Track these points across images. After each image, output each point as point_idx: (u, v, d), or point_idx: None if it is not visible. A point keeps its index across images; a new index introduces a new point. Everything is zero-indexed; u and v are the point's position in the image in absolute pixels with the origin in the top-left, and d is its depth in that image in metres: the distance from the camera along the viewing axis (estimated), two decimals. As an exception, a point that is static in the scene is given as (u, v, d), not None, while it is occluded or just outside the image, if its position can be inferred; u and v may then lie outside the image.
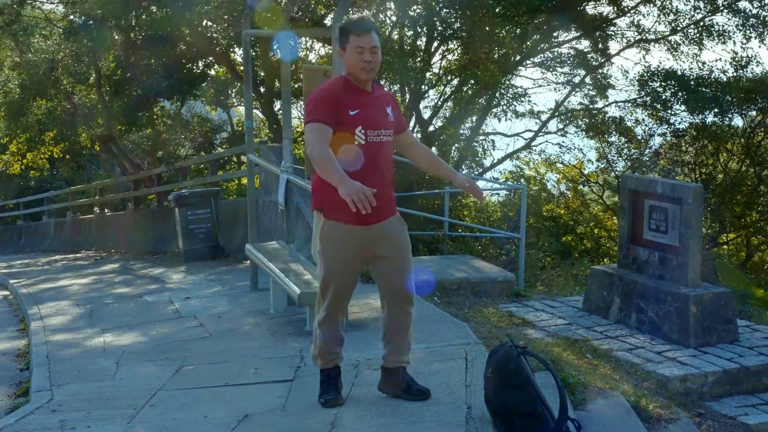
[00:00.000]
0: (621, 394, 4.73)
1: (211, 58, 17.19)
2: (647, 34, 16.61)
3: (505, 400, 3.74)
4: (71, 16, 17.71)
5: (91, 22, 15.49)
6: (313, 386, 4.68)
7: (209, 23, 15.76)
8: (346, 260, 4.03)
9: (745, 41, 15.59)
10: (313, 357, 4.29)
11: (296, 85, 14.38)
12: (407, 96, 14.91)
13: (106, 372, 5.61)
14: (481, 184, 17.19)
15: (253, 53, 15.05)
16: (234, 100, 19.20)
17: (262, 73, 16.31)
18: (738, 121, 16.49)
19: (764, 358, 5.61)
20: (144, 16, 16.07)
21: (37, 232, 23.63)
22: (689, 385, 5.21)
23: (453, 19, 13.75)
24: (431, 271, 7.65)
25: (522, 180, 18.02)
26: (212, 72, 18.40)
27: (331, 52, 17.04)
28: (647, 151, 17.03)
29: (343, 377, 4.62)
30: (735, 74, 15.54)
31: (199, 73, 17.48)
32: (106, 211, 20.16)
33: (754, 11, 15.27)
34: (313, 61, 17.60)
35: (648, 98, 16.09)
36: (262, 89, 16.55)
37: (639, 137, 17.00)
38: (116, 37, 17.05)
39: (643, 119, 16.86)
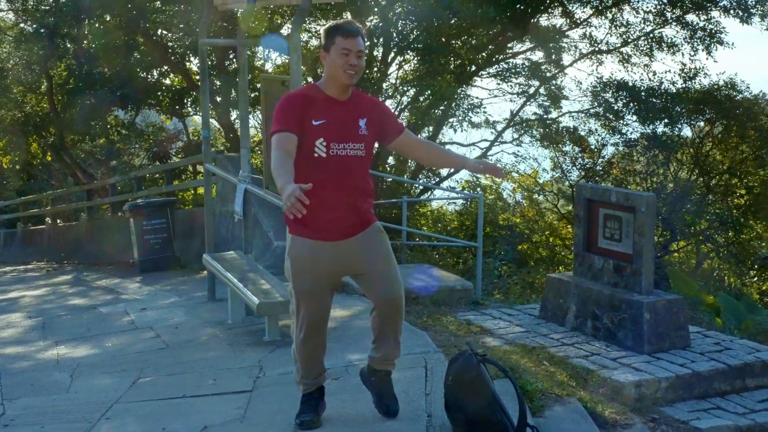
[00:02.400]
0: (578, 401, 4.80)
1: (166, 67, 17.05)
2: (599, 46, 16.95)
3: (466, 408, 3.77)
4: (22, 24, 17.42)
5: (43, 30, 15.25)
6: (273, 397, 4.68)
7: (164, 32, 15.64)
8: (314, 278, 3.86)
9: (693, 53, 16.04)
10: (296, 382, 4.16)
11: (253, 95, 14.33)
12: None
13: (60, 385, 5.52)
14: (438, 193, 17.32)
15: (209, 62, 14.96)
16: (190, 110, 19.03)
17: (218, 83, 16.22)
18: (687, 132, 16.91)
19: (715, 363, 5.74)
20: (97, 25, 15.88)
21: (-15, 244, 23.12)
22: (643, 391, 5.30)
23: (409, 30, 13.86)
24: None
25: (478, 189, 18.17)
26: (167, 81, 18.23)
27: (287, 61, 17.05)
28: (600, 160, 17.33)
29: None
30: (684, 85, 15.95)
31: (153, 82, 17.32)
32: (59, 221, 19.81)
33: (701, 24, 15.71)
34: (270, 70, 17.56)
35: (600, 109, 16.40)
36: (218, 98, 16.45)
37: (592, 147, 17.29)
38: (69, 46, 16.80)
39: (596, 129, 17.19)
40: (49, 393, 5.34)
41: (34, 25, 15.84)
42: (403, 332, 5.84)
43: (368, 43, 14.61)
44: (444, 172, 17.77)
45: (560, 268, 15.70)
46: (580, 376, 5.37)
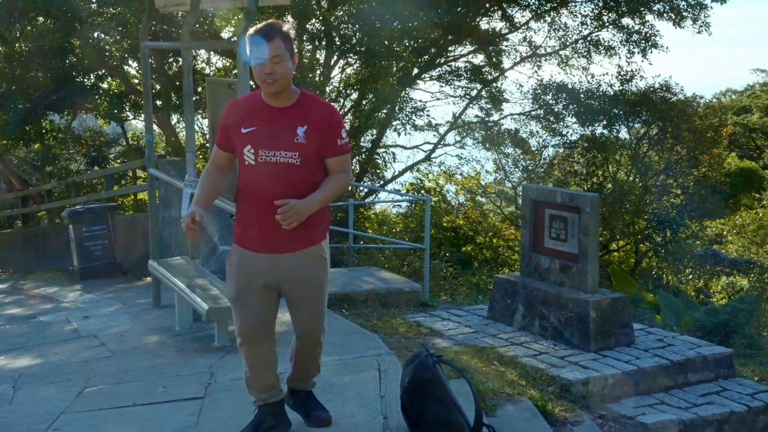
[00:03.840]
0: (528, 399, 4.88)
1: (103, 71, 16.70)
2: (539, 49, 17.25)
3: (423, 409, 3.80)
4: (-49, 26, 16.84)
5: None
6: (226, 403, 4.64)
7: (101, 35, 15.33)
8: (247, 287, 3.73)
9: (629, 56, 16.49)
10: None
11: (195, 98, 14.14)
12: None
13: (3, 397, 5.37)
14: (383, 195, 17.37)
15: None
16: (128, 114, 18.66)
17: (158, 86, 15.97)
18: (624, 133, 17.30)
19: (658, 359, 5.89)
20: (30, 28, 15.50)
21: None
22: (591, 388, 5.41)
23: (352, 33, 13.87)
24: (339, 282, 7.66)
25: (423, 191, 18.27)
26: (105, 85, 17.85)
27: (228, 64, 16.92)
28: (541, 161, 17.60)
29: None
30: (621, 88, 16.33)
31: (91, 85, 16.93)
32: (-8, 229, 19.26)
33: (637, 27, 16.15)
34: (211, 74, 17.36)
35: (541, 111, 16.67)
36: (158, 102, 16.19)
37: (533, 149, 17.55)
38: (0, 49, 16.35)
39: (537, 131, 17.44)
40: (-9, 405, 5.19)
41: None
42: (354, 335, 5.91)
43: (310, 45, 14.57)
44: (388, 174, 17.84)
45: (504, 269, 15.87)
46: (529, 375, 5.46)
